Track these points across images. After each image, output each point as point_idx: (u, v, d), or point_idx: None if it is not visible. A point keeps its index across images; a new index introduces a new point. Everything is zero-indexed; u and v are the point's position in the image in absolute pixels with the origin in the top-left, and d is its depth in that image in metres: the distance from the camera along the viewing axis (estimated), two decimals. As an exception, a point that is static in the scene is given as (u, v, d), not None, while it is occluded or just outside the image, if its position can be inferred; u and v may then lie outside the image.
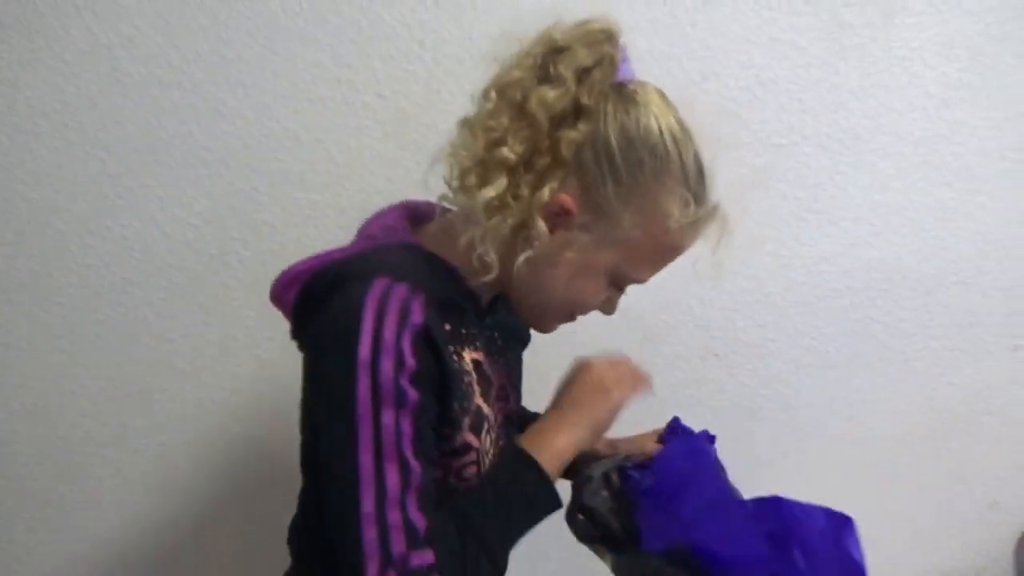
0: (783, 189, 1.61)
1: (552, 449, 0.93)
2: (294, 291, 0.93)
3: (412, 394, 0.82)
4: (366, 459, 0.80)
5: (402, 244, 0.94)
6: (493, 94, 0.89)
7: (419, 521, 0.81)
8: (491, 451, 0.97)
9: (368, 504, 0.79)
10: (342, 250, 0.95)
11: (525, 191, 0.87)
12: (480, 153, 0.87)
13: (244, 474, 1.66)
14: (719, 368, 1.69)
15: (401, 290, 0.84)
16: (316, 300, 0.89)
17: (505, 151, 0.86)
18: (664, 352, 1.66)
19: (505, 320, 1.07)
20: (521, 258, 0.88)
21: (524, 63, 0.88)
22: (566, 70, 0.85)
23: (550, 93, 0.85)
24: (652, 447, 1.14)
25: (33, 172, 1.46)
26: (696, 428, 1.50)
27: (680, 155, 0.88)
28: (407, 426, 0.81)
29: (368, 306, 0.82)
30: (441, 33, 1.46)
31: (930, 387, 1.76)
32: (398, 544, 0.79)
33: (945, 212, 1.65)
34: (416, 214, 1.03)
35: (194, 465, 1.64)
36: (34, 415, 1.59)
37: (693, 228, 0.91)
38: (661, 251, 0.93)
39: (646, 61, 1.48)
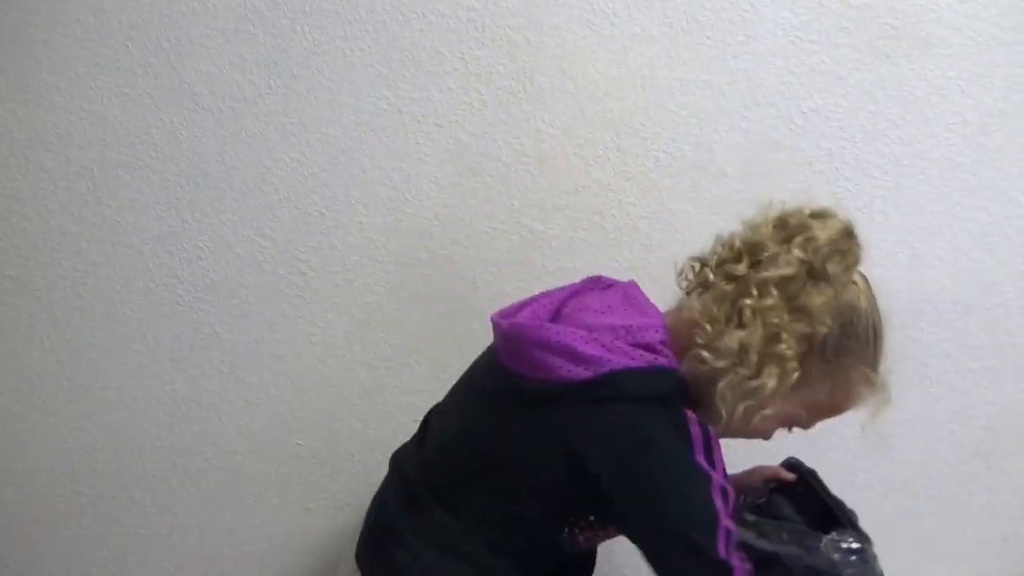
0: (824, 213, 1.65)
1: None
2: (582, 373, 0.99)
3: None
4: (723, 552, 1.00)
5: (678, 372, 1.03)
6: (774, 291, 0.99)
7: None
8: None
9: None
10: (629, 353, 1.01)
11: (790, 372, 0.99)
12: (761, 343, 0.98)
13: (306, 484, 1.73)
14: (762, 386, 1.73)
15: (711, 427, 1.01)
16: (621, 401, 0.99)
17: (784, 348, 0.98)
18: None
19: None
20: (758, 417, 1.02)
21: (793, 259, 0.99)
22: (835, 268, 1.00)
23: (827, 293, 0.99)
24: (767, 473, 1.30)
25: (118, 197, 1.58)
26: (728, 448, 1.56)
27: (876, 344, 1.05)
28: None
29: (695, 438, 0.99)
30: (495, 67, 1.55)
31: (971, 407, 1.78)
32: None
33: (984, 235, 1.68)
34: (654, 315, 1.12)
35: (261, 478, 1.73)
36: (113, 426, 1.69)
37: (867, 400, 1.08)
38: (836, 411, 1.10)
39: (690, 91, 1.57)
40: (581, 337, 1.00)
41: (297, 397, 1.68)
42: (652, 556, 1.03)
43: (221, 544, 1.77)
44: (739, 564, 0.99)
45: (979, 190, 1.66)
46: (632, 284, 1.16)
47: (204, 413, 1.69)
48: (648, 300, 1.13)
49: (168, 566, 1.77)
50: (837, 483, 1.79)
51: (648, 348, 1.02)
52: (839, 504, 1.23)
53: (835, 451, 1.78)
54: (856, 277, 1.05)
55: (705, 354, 1.00)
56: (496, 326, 1.11)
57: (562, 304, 1.12)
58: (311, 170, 1.58)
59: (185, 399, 1.68)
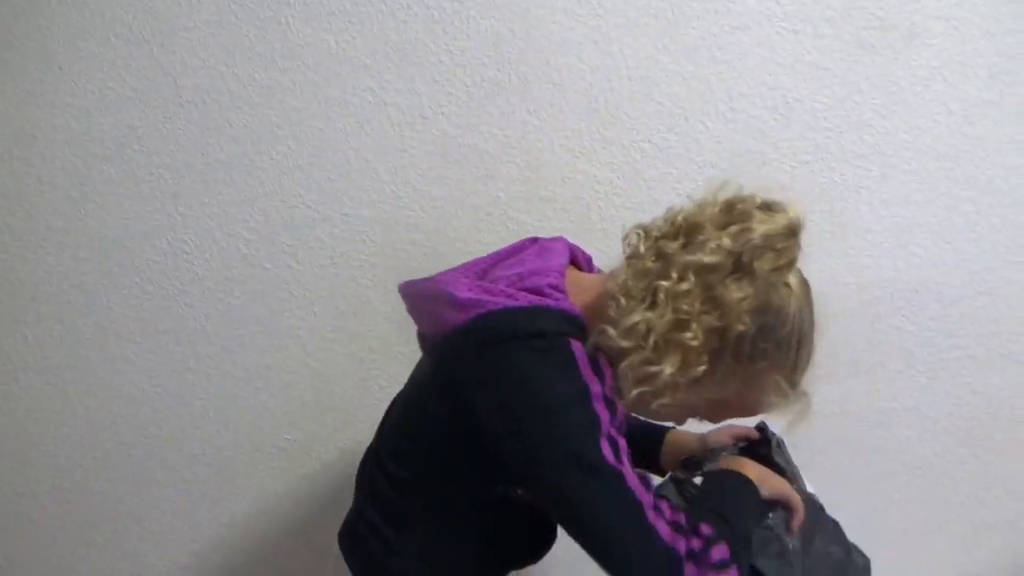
0: (810, 204, 1.64)
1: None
2: (461, 317, 0.98)
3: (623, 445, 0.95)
4: (611, 459, 0.93)
5: (571, 314, 0.99)
6: (691, 276, 0.93)
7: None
8: None
9: (649, 510, 0.92)
10: (513, 296, 0.99)
11: (692, 363, 0.94)
12: (666, 329, 0.92)
13: (295, 478, 1.73)
14: (749, 377, 1.74)
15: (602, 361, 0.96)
16: (496, 343, 0.95)
17: (688, 337, 0.92)
18: (695, 361, 1.72)
19: None
20: (656, 403, 0.96)
21: (722, 248, 0.93)
22: (763, 266, 0.92)
23: (741, 295, 0.92)
24: (736, 431, 1.26)
25: (102, 191, 1.57)
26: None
27: (798, 352, 0.98)
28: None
29: (582, 366, 0.93)
30: (481, 59, 1.55)
31: (956, 396, 1.79)
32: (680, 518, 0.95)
33: (968, 225, 1.69)
34: (574, 261, 1.12)
35: (247, 469, 1.73)
36: (99, 420, 1.69)
37: (781, 404, 1.01)
38: (745, 413, 1.05)
39: (676, 82, 1.57)
40: (464, 284, 1.00)
41: (284, 390, 1.68)
42: (555, 507, 0.97)
43: (209, 538, 1.77)
44: (638, 485, 0.93)
45: (964, 180, 1.67)
46: (560, 239, 1.14)
47: (191, 407, 1.69)
48: (563, 252, 1.10)
49: (156, 562, 1.77)
50: (823, 471, 1.80)
51: (535, 291, 1.00)
52: (795, 476, 1.21)
53: (817, 440, 1.79)
54: (791, 280, 0.96)
55: (611, 331, 0.94)
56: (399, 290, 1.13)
57: (495, 264, 1.11)
58: (296, 163, 1.57)
59: (171, 393, 1.68)
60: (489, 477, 1.05)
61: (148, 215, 1.59)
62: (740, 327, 0.92)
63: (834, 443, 1.80)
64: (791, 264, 0.96)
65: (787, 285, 0.95)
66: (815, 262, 1.66)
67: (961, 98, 1.62)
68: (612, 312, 0.96)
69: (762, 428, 1.26)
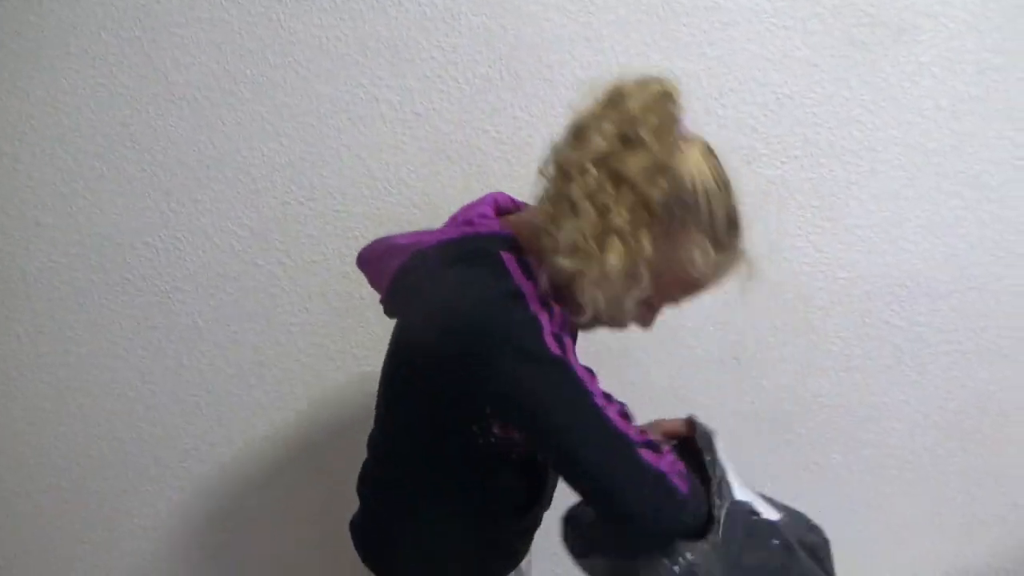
0: (800, 199, 1.67)
1: None
2: (397, 262, 1.04)
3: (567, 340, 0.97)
4: (557, 351, 0.94)
5: (502, 235, 1.04)
6: (592, 168, 0.95)
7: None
8: None
9: (599, 398, 0.95)
10: (443, 232, 1.06)
11: (634, 244, 0.95)
12: (595, 224, 0.94)
13: (288, 474, 1.74)
14: (739, 371, 1.75)
15: (538, 273, 0.98)
16: (430, 271, 1.01)
17: (617, 221, 0.94)
18: (685, 355, 1.73)
19: None
20: (630, 300, 0.98)
21: (606, 132, 0.96)
22: (647, 133, 0.95)
23: (637, 161, 0.94)
24: (666, 427, 1.26)
25: (94, 189, 1.57)
26: (716, 428, 1.56)
27: (710, 208, 0.98)
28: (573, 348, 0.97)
29: (512, 270, 0.96)
30: (473, 55, 1.55)
31: (945, 390, 1.80)
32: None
33: (956, 220, 1.70)
34: (499, 207, 1.15)
35: (240, 465, 1.73)
36: (92, 417, 1.69)
37: (717, 271, 1.03)
38: (685, 286, 1.04)
39: (667, 77, 1.57)
40: (403, 234, 1.07)
41: (276, 387, 1.69)
42: (517, 410, 0.98)
43: (203, 534, 1.77)
44: (580, 368, 0.97)
45: (952, 175, 1.68)
46: (502, 193, 1.18)
47: (184, 404, 1.69)
48: (489, 199, 1.15)
49: (151, 557, 1.77)
50: (811, 465, 1.82)
51: (466, 223, 1.06)
52: (722, 478, 1.14)
53: (808, 434, 1.81)
54: (686, 145, 0.98)
55: (557, 260, 0.96)
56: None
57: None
58: (288, 159, 1.57)
59: (164, 390, 1.68)
60: (461, 417, 1.04)
61: (140, 212, 1.59)
62: (656, 191, 0.94)
63: (824, 437, 1.81)
64: (674, 124, 0.97)
65: (679, 146, 0.97)
66: (805, 257, 1.70)
67: (949, 94, 1.63)
68: (548, 244, 0.98)
69: (694, 425, 1.24)
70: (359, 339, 1.66)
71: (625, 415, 1.04)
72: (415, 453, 1.12)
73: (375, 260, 1.15)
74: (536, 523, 1.26)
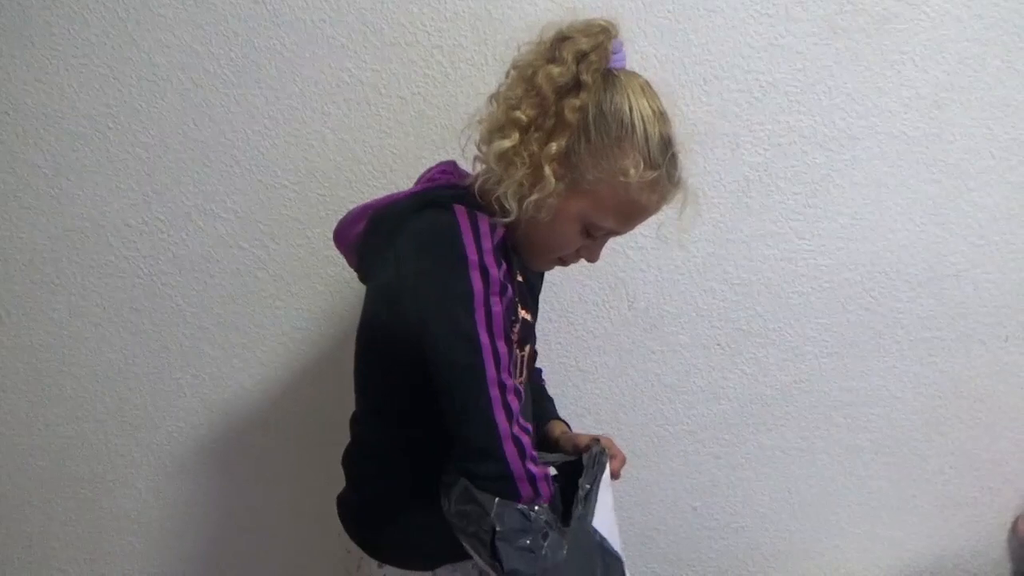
0: (782, 186, 1.68)
1: None
2: (360, 225, 1.12)
3: (509, 290, 1.05)
4: (485, 338, 1.00)
5: (460, 188, 1.13)
6: (512, 71, 1.09)
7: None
8: (523, 371, 1.19)
9: (491, 370, 1.01)
10: (406, 191, 1.15)
11: (535, 147, 1.04)
12: (500, 117, 1.06)
13: (272, 455, 1.74)
14: (721, 357, 1.77)
15: (482, 214, 1.04)
16: (392, 225, 1.08)
17: (518, 113, 1.04)
18: (669, 341, 1.75)
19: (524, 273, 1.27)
20: (531, 199, 1.04)
21: (537, 49, 1.08)
22: (568, 53, 1.04)
23: (554, 70, 1.03)
24: (579, 441, 1.32)
25: (77, 170, 1.56)
26: (700, 413, 1.60)
27: (644, 129, 1.05)
28: (503, 314, 1.03)
29: (461, 221, 1.02)
30: (458, 39, 1.55)
31: (923, 375, 1.83)
32: (515, 403, 1.03)
33: (937, 207, 1.72)
34: (458, 169, 1.22)
35: (224, 447, 1.73)
36: (74, 400, 1.68)
37: (652, 190, 1.08)
38: (622, 204, 1.08)
39: (651, 65, 1.59)
40: (368, 202, 1.16)
41: (261, 369, 1.69)
42: (430, 352, 1.03)
43: (182, 517, 1.77)
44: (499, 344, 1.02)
45: (932, 163, 1.70)
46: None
47: (166, 386, 1.69)
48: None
49: (132, 539, 1.77)
50: (793, 450, 1.85)
51: (429, 180, 1.17)
52: (587, 506, 1.13)
53: (789, 418, 1.83)
54: (631, 77, 1.08)
55: (499, 188, 1.05)
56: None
57: None
58: (273, 142, 1.57)
59: (147, 372, 1.68)
60: (421, 383, 1.07)
61: (123, 194, 1.58)
62: (574, 100, 1.02)
63: (804, 421, 1.83)
64: (599, 49, 1.05)
65: (609, 72, 1.06)
66: (786, 244, 1.71)
67: (931, 83, 1.65)
68: (492, 179, 1.07)
69: (590, 448, 1.24)
70: (343, 324, 1.66)
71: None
72: (388, 424, 1.19)
73: (341, 234, 1.21)
74: None
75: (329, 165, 1.59)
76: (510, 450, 1.01)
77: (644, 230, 1.62)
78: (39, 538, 1.76)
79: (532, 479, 1.03)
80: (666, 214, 1.14)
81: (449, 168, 1.21)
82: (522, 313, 1.19)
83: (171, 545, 1.79)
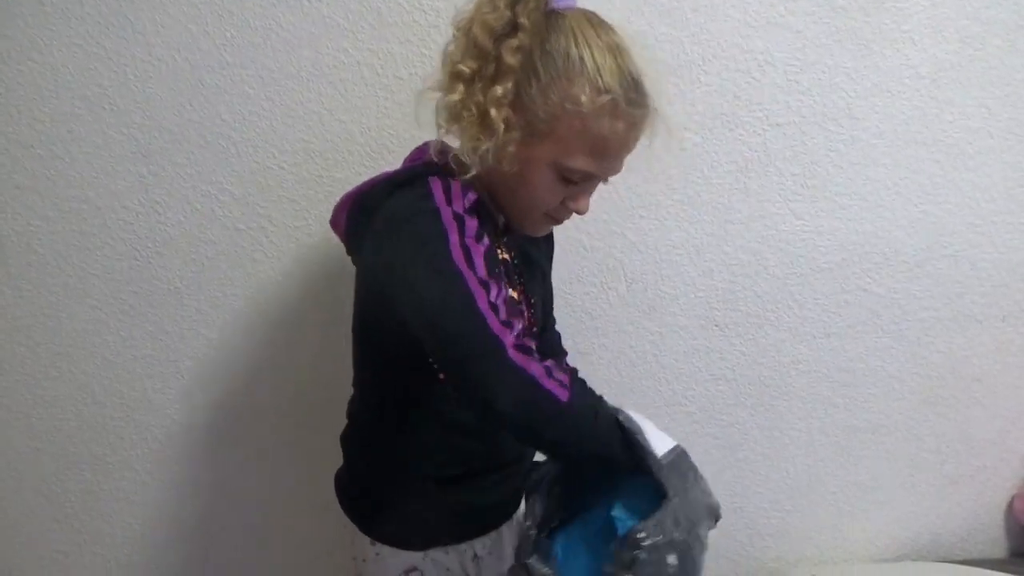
0: (780, 166, 1.68)
1: None
2: (346, 209, 1.14)
3: (486, 240, 1.02)
4: (464, 268, 0.96)
5: (435, 165, 1.11)
6: (453, 31, 1.07)
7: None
8: None
9: (483, 303, 0.94)
10: (385, 173, 1.16)
11: (480, 97, 1.03)
12: (444, 77, 1.07)
13: (268, 437, 1.74)
14: (719, 337, 1.77)
15: (455, 182, 1.05)
16: (371, 207, 1.09)
17: (460, 66, 1.04)
18: (667, 322, 1.75)
19: (520, 244, 1.24)
20: (484, 147, 1.02)
21: (475, 4, 1.06)
22: (507, 5, 1.02)
23: (488, 16, 1.02)
24: None
25: (71, 151, 1.55)
26: (698, 394, 1.59)
27: (594, 58, 1.02)
28: (484, 255, 0.99)
29: (434, 188, 1.03)
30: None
31: (921, 355, 1.84)
32: (518, 324, 0.96)
33: (935, 188, 1.72)
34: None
35: (221, 429, 1.73)
36: (72, 381, 1.68)
37: (614, 117, 1.03)
38: (586, 139, 1.04)
39: (649, 43, 1.57)
40: (352, 188, 1.18)
41: (258, 350, 1.69)
42: (430, 339, 0.99)
43: (181, 498, 1.77)
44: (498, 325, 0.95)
45: (931, 143, 1.69)
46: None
47: (163, 368, 1.69)
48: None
49: (131, 520, 1.78)
50: (792, 430, 1.85)
51: (414, 159, 1.19)
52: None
53: (788, 399, 1.83)
54: (576, 13, 1.05)
55: (461, 144, 1.06)
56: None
57: None
58: (270, 123, 1.56)
59: (144, 355, 1.67)
60: (415, 352, 1.03)
61: (119, 175, 1.57)
62: (513, 41, 1.01)
63: (802, 402, 1.84)
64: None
65: (543, 11, 1.03)
66: (785, 224, 1.71)
67: (930, 61, 1.65)
68: (442, 132, 1.09)
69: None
70: (340, 307, 1.65)
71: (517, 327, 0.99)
72: (384, 405, 1.20)
73: (335, 220, 1.23)
74: (512, 480, 1.27)
75: (327, 146, 1.58)
76: (517, 357, 0.92)
77: (643, 212, 1.63)
78: (34, 517, 1.76)
79: (548, 371, 0.94)
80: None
81: (421, 149, 1.22)
82: (509, 291, 1.11)
83: (170, 526, 1.79)
